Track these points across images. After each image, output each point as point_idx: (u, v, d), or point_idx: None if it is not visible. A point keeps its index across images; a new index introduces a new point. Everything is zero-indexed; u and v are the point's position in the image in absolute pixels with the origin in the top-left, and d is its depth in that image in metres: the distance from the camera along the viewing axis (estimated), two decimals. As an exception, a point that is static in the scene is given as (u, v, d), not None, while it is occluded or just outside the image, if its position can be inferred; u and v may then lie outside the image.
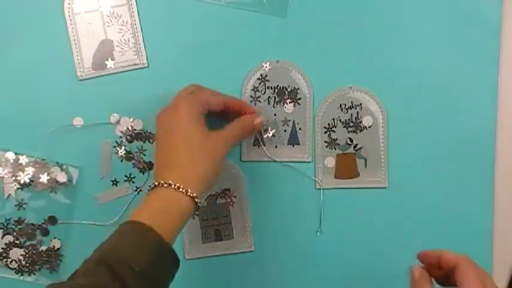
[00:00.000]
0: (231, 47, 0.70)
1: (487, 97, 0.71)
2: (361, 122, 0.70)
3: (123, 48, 0.69)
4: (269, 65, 0.70)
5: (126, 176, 0.69)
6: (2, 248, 0.68)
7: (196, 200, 0.57)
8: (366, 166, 0.71)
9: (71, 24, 0.68)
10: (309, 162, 0.70)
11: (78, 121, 0.69)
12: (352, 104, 0.70)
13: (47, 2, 0.68)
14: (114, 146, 0.69)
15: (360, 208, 0.71)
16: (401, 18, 0.70)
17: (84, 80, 0.69)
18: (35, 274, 0.69)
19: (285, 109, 0.70)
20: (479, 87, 0.71)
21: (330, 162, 0.71)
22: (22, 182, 0.68)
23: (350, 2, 0.70)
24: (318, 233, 0.70)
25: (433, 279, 0.53)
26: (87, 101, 0.69)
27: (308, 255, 0.71)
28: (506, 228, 0.71)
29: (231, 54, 0.70)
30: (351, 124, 0.71)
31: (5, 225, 0.68)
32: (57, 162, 0.69)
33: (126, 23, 0.69)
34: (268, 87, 0.70)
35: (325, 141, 0.71)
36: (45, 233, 0.69)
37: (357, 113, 0.70)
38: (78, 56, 0.68)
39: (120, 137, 0.69)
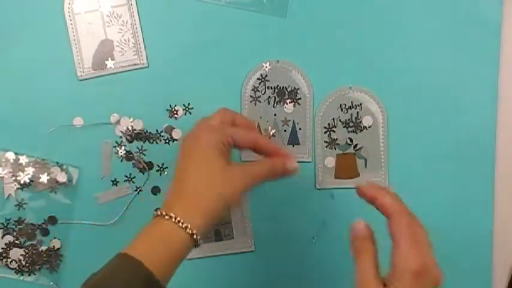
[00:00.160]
0: (231, 47, 0.70)
1: (487, 97, 0.71)
2: (361, 122, 0.71)
3: (123, 48, 0.69)
4: (269, 65, 0.70)
5: (126, 176, 0.69)
6: (2, 248, 0.68)
7: (195, 237, 0.53)
8: (366, 166, 0.71)
9: (71, 24, 0.68)
10: (309, 162, 0.70)
11: (78, 121, 0.69)
12: (352, 104, 0.70)
13: (47, 2, 0.68)
14: (114, 146, 0.69)
15: (360, 208, 0.71)
16: (401, 18, 0.70)
17: (84, 80, 0.69)
18: (35, 274, 0.69)
19: (285, 109, 0.70)
20: (479, 87, 0.71)
21: (330, 162, 0.71)
22: (22, 182, 0.68)
23: (350, 2, 0.70)
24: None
25: None
26: (87, 101, 0.69)
27: (308, 255, 0.71)
28: (506, 229, 0.71)
29: (231, 54, 0.70)
30: (351, 124, 0.71)
31: (5, 225, 0.68)
32: (57, 162, 0.69)
33: (126, 23, 0.69)
34: (268, 87, 0.70)
35: (325, 141, 0.71)
36: (45, 233, 0.69)
37: (357, 113, 0.71)
38: (78, 56, 0.68)
39: (120, 137, 0.69)
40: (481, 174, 0.71)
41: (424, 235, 0.50)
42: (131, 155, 0.69)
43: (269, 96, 0.70)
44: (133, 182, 0.70)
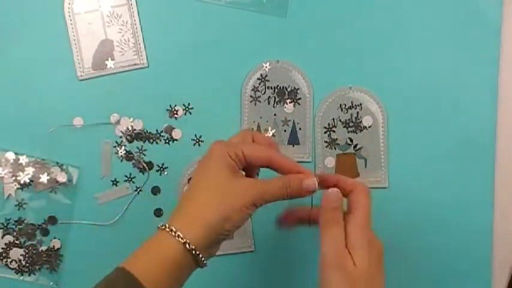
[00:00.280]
0: (231, 47, 0.70)
1: (487, 97, 0.71)
2: (361, 122, 0.71)
3: (123, 48, 0.69)
4: (269, 65, 0.70)
5: (126, 176, 0.69)
6: (2, 248, 0.68)
7: (193, 252, 0.51)
8: (366, 166, 0.71)
9: (71, 24, 0.68)
10: (309, 162, 0.70)
11: (78, 121, 0.69)
12: (352, 104, 0.70)
13: (47, 2, 0.68)
14: (114, 146, 0.69)
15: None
16: (401, 18, 0.70)
17: (84, 80, 0.69)
18: (35, 274, 0.69)
19: (285, 109, 0.70)
20: (479, 87, 0.71)
21: (330, 162, 0.71)
22: (22, 182, 0.68)
23: (350, 2, 0.70)
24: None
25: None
26: (87, 101, 0.69)
27: (308, 255, 0.71)
28: (506, 228, 0.71)
29: (231, 54, 0.70)
30: (351, 124, 0.71)
31: (5, 225, 0.68)
32: (57, 162, 0.69)
33: (126, 23, 0.69)
34: (268, 87, 0.70)
35: (325, 141, 0.71)
36: (45, 233, 0.69)
37: (357, 113, 0.71)
38: (78, 56, 0.68)
39: (120, 137, 0.69)
40: (481, 174, 0.71)
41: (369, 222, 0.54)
42: (131, 155, 0.69)
43: (269, 96, 0.70)
44: (133, 182, 0.70)
